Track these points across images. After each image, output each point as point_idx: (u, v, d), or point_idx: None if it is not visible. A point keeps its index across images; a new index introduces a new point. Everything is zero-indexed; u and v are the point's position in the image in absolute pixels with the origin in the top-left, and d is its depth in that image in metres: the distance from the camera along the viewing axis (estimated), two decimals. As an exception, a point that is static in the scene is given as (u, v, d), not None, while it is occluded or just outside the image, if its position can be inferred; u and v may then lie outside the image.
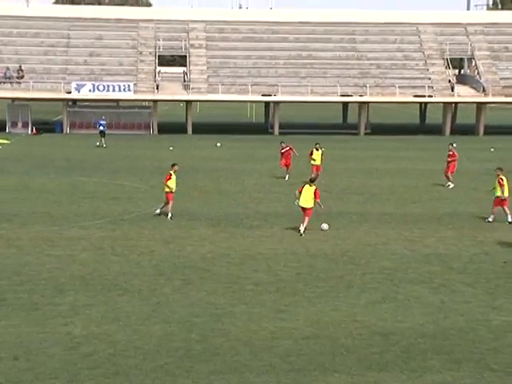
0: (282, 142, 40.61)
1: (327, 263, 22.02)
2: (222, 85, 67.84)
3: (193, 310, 17.63)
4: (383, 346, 15.57)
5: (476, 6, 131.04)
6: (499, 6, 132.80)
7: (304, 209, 25.88)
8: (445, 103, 69.60)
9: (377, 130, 69.07)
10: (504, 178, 28.00)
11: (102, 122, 56.26)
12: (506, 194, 27.87)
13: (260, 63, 70.76)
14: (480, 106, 69.36)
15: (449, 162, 37.72)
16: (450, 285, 19.94)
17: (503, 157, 48.75)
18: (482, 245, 24.55)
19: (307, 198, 25.76)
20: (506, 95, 69.21)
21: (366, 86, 68.00)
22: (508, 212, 27.98)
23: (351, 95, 68.68)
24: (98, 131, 56.51)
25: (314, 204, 25.94)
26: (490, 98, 69.06)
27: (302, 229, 25.70)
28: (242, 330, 16.34)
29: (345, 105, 79.89)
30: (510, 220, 27.82)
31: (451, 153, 37.72)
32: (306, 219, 25.72)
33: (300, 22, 74.22)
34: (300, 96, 68.31)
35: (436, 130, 68.10)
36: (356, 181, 38.81)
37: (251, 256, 22.75)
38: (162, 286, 19.55)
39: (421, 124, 78.71)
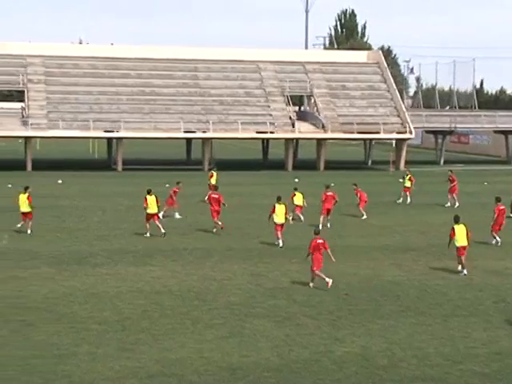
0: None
1: (173, 300, 21.92)
2: (63, 121, 66.60)
3: (33, 352, 17.07)
4: (230, 381, 15.61)
5: (314, 45, 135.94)
6: (335, 46, 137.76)
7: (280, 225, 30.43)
8: (286, 139, 71.15)
9: (221, 165, 69.70)
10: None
11: None
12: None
13: (102, 99, 70.05)
14: (320, 141, 71.37)
15: (452, 186, 44.23)
16: (295, 318, 20.29)
17: (341, 190, 50.27)
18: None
19: (282, 215, 30.31)
20: (344, 131, 71.60)
21: (209, 122, 68.62)
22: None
23: (195, 131, 69.10)
24: None
25: (286, 220, 30.54)
26: (329, 134, 71.13)
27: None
28: (86, 371, 15.96)
29: (188, 141, 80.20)
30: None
31: (451, 178, 44.00)
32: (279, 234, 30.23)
33: (141, 58, 74.13)
34: (143, 132, 68.05)
35: (279, 166, 69.49)
36: (201, 216, 38.82)
37: (95, 294, 22.33)
38: (0, 328, 18.82)
39: (264, 159, 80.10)
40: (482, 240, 32.13)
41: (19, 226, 33.01)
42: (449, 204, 44.02)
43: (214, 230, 33.86)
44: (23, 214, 33.17)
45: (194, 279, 24.63)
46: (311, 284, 23.71)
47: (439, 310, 21.29)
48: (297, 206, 36.93)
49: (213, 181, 46.17)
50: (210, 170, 46.46)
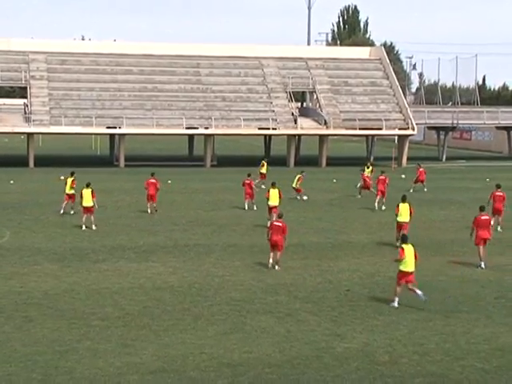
0: (248, 175, 41.05)
1: (174, 296, 21.92)
2: (65, 117, 66.62)
3: (35, 348, 17.08)
4: (231, 377, 15.61)
5: (316, 41, 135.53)
6: (338, 42, 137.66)
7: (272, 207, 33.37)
8: (288, 135, 71.18)
9: (223, 161, 69.72)
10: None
11: None
12: None
13: (104, 95, 70.02)
14: (322, 138, 71.35)
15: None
16: (296, 314, 20.28)
17: (343, 187, 50.29)
18: (326, 274, 25.15)
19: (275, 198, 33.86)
20: (346, 128, 71.56)
21: (211, 119, 68.60)
22: None
23: (197, 127, 69.08)
24: None
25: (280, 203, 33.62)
26: (331, 131, 71.17)
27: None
28: (88, 367, 15.97)
29: (191, 137, 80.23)
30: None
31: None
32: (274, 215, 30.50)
33: (144, 55, 74.10)
34: (146, 128, 68.04)
35: (281, 162, 69.43)
36: (203, 213, 38.94)
37: (97, 291, 22.34)
38: (2, 324, 18.84)
39: (266, 156, 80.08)
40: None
41: (83, 220, 33.41)
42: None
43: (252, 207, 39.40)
44: (85, 208, 33.76)
45: (195, 275, 24.62)
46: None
47: (440, 306, 21.26)
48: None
49: (263, 170, 51.31)
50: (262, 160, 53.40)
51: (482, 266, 26.37)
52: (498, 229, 33.36)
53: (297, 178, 43.82)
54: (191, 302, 21.25)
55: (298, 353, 17.18)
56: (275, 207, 33.37)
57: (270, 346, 17.55)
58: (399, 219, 29.93)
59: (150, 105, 69.84)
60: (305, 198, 43.21)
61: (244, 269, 25.74)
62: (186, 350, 17.16)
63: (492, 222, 31.36)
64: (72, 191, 37.31)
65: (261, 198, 38.79)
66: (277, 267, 25.64)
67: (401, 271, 21.02)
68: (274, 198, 33.97)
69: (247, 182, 40.46)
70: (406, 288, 21.02)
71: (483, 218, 26.86)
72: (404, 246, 21.27)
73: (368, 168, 47.39)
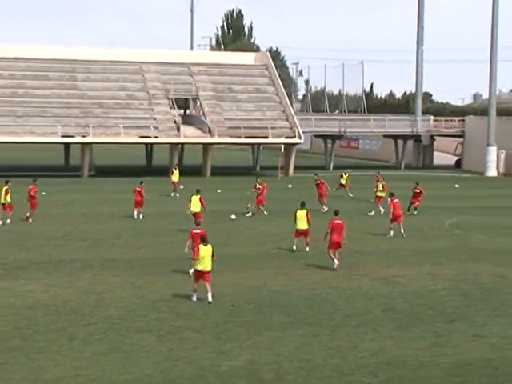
0: (257, 178, 43.81)
1: (48, 315, 21.45)
2: None
3: None
4: (109, 400, 15.35)
5: (199, 45, 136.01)
6: (222, 47, 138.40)
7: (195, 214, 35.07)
8: (171, 144, 70.94)
9: (101, 171, 68.86)
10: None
11: None
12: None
13: (-29, 101, 68.16)
14: (206, 146, 71.43)
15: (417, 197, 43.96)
16: (178, 332, 20.17)
17: (230, 197, 50.47)
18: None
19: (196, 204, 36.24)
20: (231, 136, 71.87)
21: (88, 126, 67.64)
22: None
23: (73, 136, 67.99)
24: None
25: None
26: (215, 139, 71.25)
27: None
28: (-49, 395, 15.39)
29: (67, 146, 78.88)
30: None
31: (418, 191, 43.10)
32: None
33: (14, 58, 72.49)
34: (17, 136, 66.45)
35: (163, 172, 69.00)
36: (79, 226, 38.32)
37: (-38, 312, 21.61)
38: None
39: (148, 165, 79.55)
40: (372, 247, 32.93)
41: None
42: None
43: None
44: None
45: (71, 292, 24.18)
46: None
47: (328, 320, 21.56)
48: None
49: (175, 178, 52.63)
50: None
51: (335, 265, 27.97)
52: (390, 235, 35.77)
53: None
54: (66, 322, 20.84)
55: (180, 372, 17.08)
56: (198, 213, 35.52)
57: (151, 366, 17.38)
58: (298, 226, 31.31)
59: (21, 111, 68.30)
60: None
61: (123, 285, 25.44)
62: (59, 373, 16.80)
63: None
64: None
65: (153, 209, 38.58)
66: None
67: (197, 270, 23.24)
68: (195, 204, 36.29)
69: (138, 189, 41.05)
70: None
71: (336, 221, 28.32)
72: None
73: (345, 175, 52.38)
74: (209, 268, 23.09)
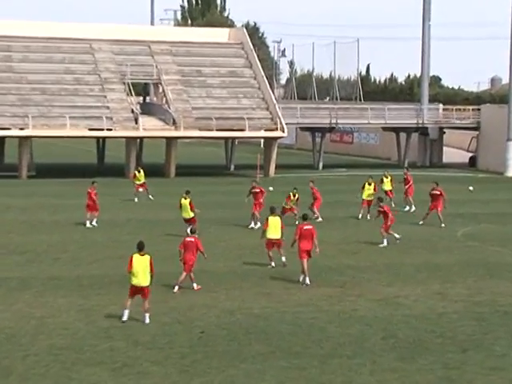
0: (253, 181, 44.61)
1: (-23, 345, 21.37)
2: None
3: None
4: None
5: (161, 20, 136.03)
6: (189, 22, 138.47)
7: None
8: (127, 138, 70.73)
9: (43, 171, 68.63)
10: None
11: None
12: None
13: None
14: (170, 141, 71.24)
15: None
16: (137, 364, 20.16)
17: (201, 201, 50.41)
18: (174, 312, 25.11)
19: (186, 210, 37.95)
20: (200, 128, 71.50)
21: (27, 117, 67.35)
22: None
23: (9, 128, 67.68)
24: None
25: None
26: (181, 132, 70.86)
27: None
28: None
29: (1, 140, 78.68)
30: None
31: (437, 192, 43.11)
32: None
33: None
34: None
35: (118, 171, 68.90)
36: (16, 237, 38.25)
37: None
38: None
39: (99, 164, 79.39)
40: (369, 263, 33.01)
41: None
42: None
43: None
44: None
45: (6, 317, 24.13)
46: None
47: (316, 349, 21.58)
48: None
49: (143, 179, 53.03)
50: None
51: (307, 281, 28.65)
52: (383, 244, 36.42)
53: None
54: (0, 353, 20.74)
55: (138, 414, 17.03)
56: (192, 218, 37.71)
57: (103, 407, 17.33)
58: (269, 235, 31.50)
59: None
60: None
61: (69, 308, 25.42)
62: (-8, 416, 16.71)
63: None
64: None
65: (106, 216, 38.51)
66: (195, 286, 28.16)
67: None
68: (185, 209, 38.14)
69: (89, 190, 41.80)
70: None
71: (306, 227, 29.23)
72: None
73: (387, 178, 49.18)
74: (145, 283, 23.68)
